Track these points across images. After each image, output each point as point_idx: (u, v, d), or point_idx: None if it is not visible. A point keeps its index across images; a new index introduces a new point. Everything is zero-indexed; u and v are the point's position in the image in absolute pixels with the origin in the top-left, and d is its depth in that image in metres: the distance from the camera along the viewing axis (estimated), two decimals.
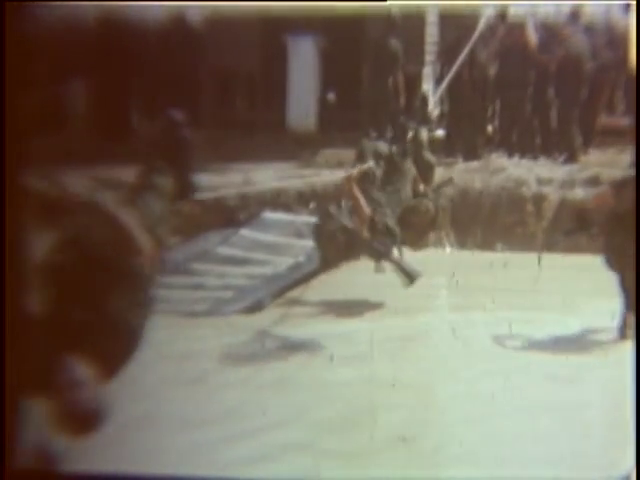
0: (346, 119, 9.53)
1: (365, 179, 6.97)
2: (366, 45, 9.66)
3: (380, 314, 6.93)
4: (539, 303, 6.89)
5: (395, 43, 9.25)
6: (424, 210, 6.94)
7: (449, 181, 8.08)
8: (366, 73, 9.53)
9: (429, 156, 7.59)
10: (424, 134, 7.72)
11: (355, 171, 6.96)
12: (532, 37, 9.24)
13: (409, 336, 6.40)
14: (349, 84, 9.74)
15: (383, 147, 7.41)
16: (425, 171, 7.34)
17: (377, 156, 7.22)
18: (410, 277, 6.67)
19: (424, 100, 8.82)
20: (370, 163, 7.10)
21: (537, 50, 9.21)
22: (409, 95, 9.46)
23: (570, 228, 7.42)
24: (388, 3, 7.55)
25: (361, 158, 7.32)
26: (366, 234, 6.67)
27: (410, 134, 7.59)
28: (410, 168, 7.16)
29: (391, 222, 6.76)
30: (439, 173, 8.80)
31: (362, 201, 6.72)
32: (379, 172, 7.08)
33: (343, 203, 6.98)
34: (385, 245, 6.73)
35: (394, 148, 7.34)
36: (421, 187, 7.17)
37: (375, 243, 6.65)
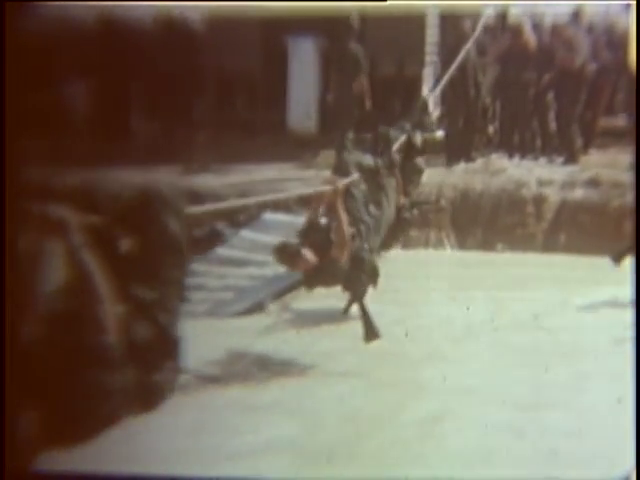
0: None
1: (348, 196, 5.98)
2: (330, 50, 9.59)
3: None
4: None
5: (355, 47, 9.16)
6: None
7: (433, 203, 7.85)
8: (333, 79, 9.46)
9: (419, 161, 7.04)
10: (418, 138, 7.11)
11: (342, 184, 5.87)
12: (532, 38, 9.25)
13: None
14: None
15: (368, 160, 6.43)
16: (411, 175, 6.87)
17: (360, 169, 6.27)
18: (372, 334, 5.99)
19: (424, 104, 8.53)
20: (354, 176, 6.16)
21: (537, 51, 9.22)
22: (405, 98, 9.44)
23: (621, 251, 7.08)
24: (388, 3, 7.54)
25: (340, 171, 6.26)
26: (346, 264, 5.69)
27: (403, 138, 6.95)
28: (393, 184, 6.47)
29: (370, 256, 5.94)
30: (440, 173, 8.88)
31: (345, 224, 5.69)
32: (363, 188, 6.17)
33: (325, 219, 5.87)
34: (362, 284, 5.94)
35: (380, 162, 6.47)
36: (401, 199, 6.58)
37: (353, 278, 5.78)
